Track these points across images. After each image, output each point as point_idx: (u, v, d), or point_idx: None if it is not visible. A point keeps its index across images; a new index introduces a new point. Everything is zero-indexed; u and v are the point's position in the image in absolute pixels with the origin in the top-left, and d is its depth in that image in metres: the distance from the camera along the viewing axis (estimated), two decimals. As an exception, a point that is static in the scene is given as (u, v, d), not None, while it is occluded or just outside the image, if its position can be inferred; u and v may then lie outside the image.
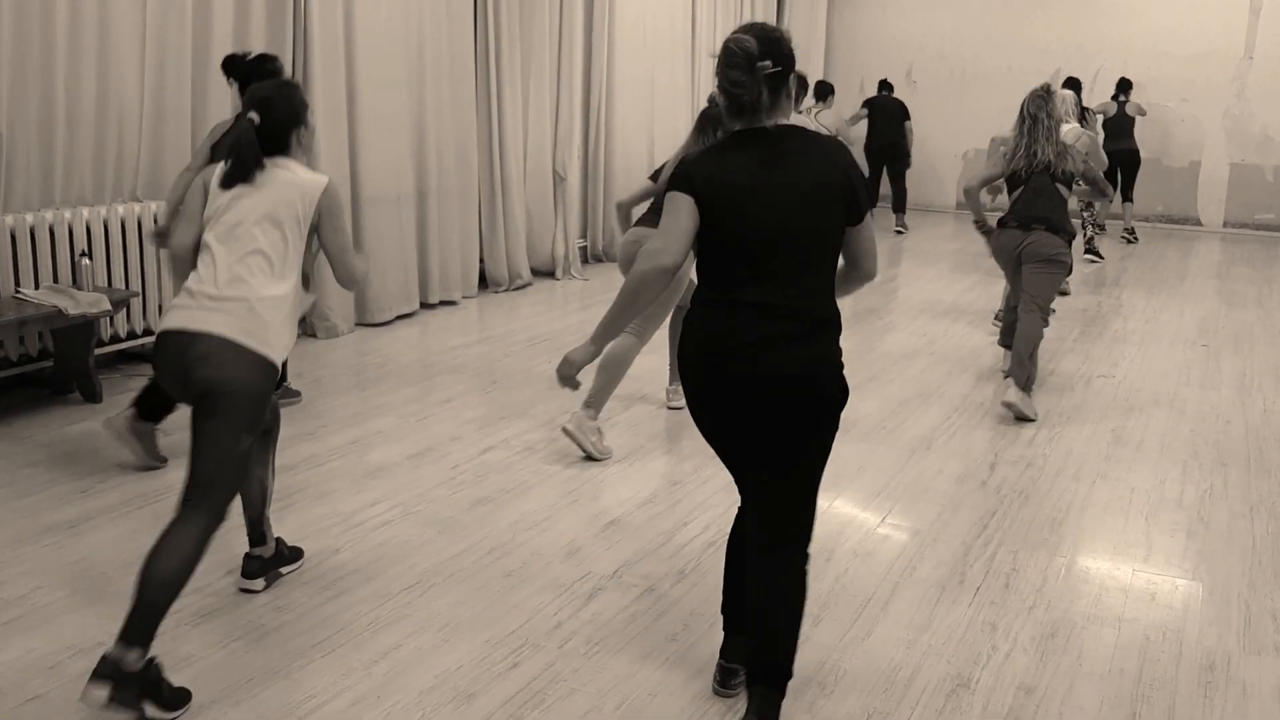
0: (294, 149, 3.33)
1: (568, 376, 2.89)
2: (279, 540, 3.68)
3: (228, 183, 3.19)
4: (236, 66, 4.64)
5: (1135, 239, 11.97)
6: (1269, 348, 7.23)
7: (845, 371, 2.73)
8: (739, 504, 2.97)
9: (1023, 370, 5.59)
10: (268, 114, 3.24)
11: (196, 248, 3.19)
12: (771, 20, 12.90)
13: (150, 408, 4.52)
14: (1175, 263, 10.76)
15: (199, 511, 2.93)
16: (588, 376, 4.41)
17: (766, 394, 2.64)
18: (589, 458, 4.82)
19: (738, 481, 2.91)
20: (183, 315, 3.05)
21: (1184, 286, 9.44)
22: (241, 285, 3.06)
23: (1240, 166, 12.84)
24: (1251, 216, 12.86)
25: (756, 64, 2.58)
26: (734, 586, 3.00)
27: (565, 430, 4.83)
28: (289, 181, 3.20)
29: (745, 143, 2.68)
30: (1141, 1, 12.81)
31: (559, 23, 8.86)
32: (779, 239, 2.63)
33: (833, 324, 2.71)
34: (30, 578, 3.59)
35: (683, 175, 2.69)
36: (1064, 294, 8.19)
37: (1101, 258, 10.68)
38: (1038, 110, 5.82)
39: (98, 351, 5.57)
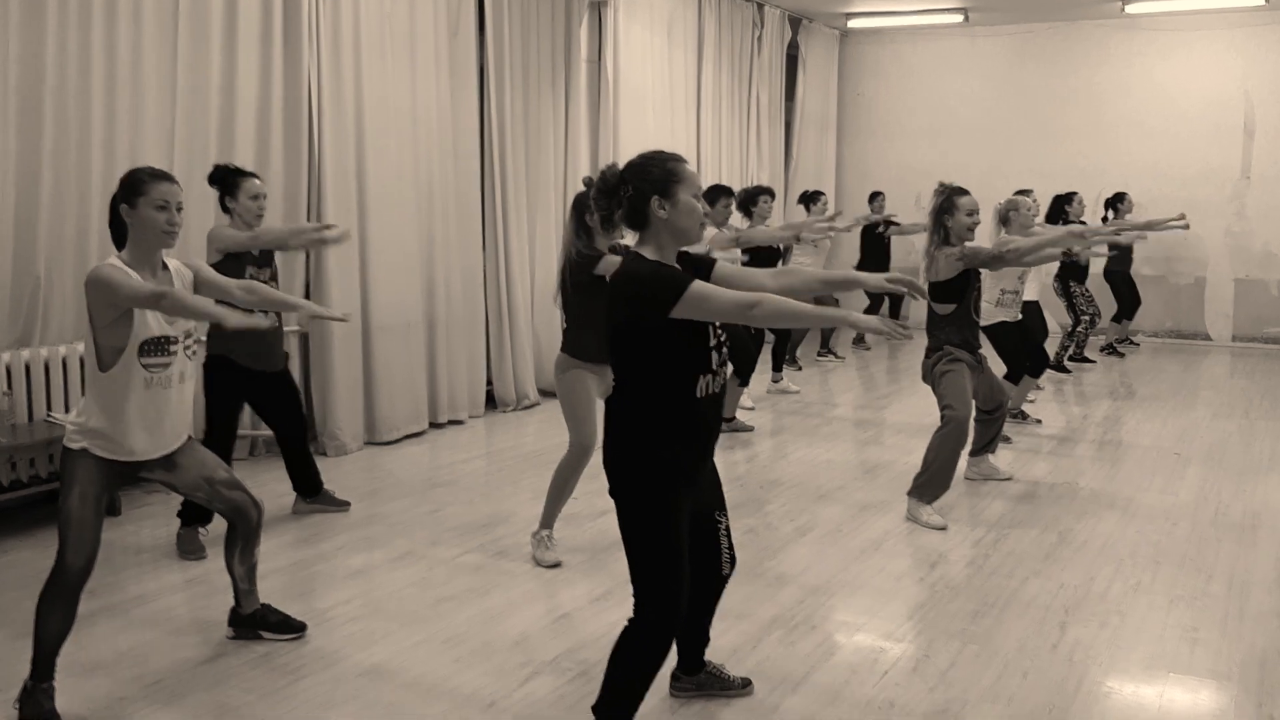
0: (128, 238, 3.65)
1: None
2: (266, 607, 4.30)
3: None
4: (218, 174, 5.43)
5: (1118, 354, 12.22)
6: (1241, 456, 7.46)
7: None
8: None
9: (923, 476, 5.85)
10: None
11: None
12: (779, 148, 13.51)
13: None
14: (1175, 376, 11.00)
15: None
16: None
17: None
18: None
19: None
20: None
21: (1176, 398, 9.68)
22: None
23: (1245, 282, 13.14)
24: (1260, 330, 13.09)
25: (618, 189, 3.18)
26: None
27: None
28: None
29: None
30: (1141, 126, 13.32)
31: (564, 158, 9.52)
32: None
33: (619, 418, 3.22)
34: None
35: None
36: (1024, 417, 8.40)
37: (1067, 371, 10.97)
38: None
39: (118, 468, 6.09)
